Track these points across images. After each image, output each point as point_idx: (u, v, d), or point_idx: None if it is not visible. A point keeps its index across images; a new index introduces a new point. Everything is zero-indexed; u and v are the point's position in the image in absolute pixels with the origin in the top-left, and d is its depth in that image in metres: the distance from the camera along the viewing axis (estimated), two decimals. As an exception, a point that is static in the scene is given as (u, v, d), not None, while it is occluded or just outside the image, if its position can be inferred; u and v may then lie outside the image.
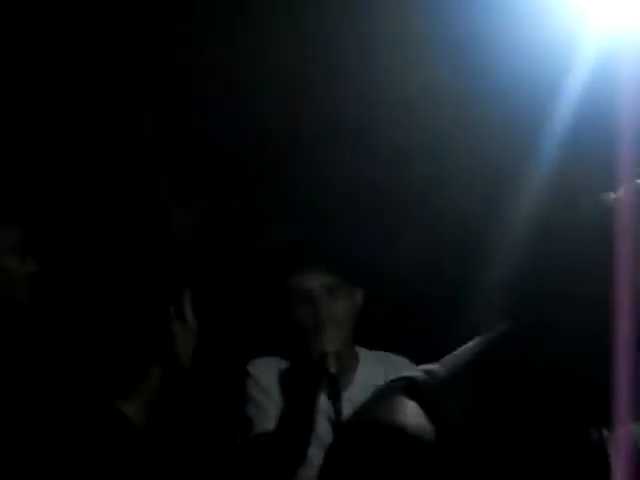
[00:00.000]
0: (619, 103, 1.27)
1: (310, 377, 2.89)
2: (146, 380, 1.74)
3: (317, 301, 2.92)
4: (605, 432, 1.29)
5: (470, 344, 1.31)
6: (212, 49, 3.25)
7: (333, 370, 2.85)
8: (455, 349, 1.35)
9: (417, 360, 3.09)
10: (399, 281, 3.46)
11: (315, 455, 2.92)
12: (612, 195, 1.19)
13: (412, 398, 1.23)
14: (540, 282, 1.20)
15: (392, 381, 1.30)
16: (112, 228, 1.85)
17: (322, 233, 3.28)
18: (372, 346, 3.15)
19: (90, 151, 3.31)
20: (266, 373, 3.02)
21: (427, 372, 1.27)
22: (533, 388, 1.23)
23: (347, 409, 2.88)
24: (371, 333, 3.15)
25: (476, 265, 2.74)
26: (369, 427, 1.22)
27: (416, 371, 1.28)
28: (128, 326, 1.72)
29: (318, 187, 3.52)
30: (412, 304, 3.49)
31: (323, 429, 2.92)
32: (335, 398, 2.88)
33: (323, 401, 2.93)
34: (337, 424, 2.88)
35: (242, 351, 3.20)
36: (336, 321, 2.92)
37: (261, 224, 3.67)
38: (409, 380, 1.27)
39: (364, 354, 3.11)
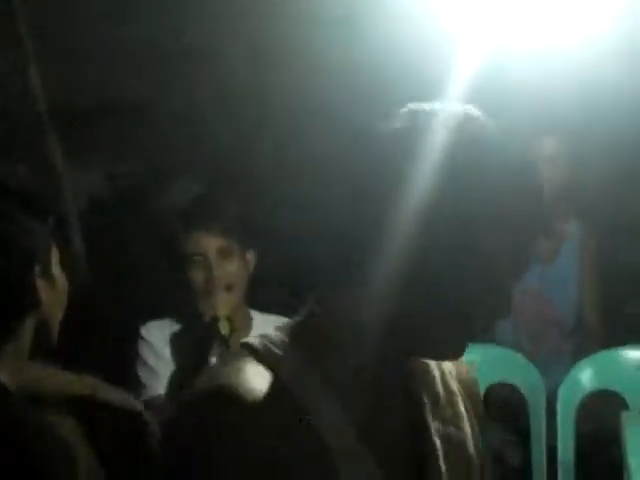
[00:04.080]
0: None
1: (201, 340, 2.86)
2: (13, 341, 1.68)
3: (210, 264, 2.89)
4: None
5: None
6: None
7: (224, 333, 2.83)
8: None
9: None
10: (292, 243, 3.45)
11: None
12: None
13: (253, 361, 1.29)
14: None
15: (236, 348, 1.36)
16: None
17: (216, 194, 3.24)
18: (265, 309, 3.12)
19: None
20: (159, 336, 2.99)
21: (264, 337, 1.33)
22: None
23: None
24: (264, 295, 3.12)
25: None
26: (213, 391, 1.24)
27: (253, 338, 1.33)
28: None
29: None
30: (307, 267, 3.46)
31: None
32: (227, 361, 2.85)
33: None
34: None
35: (135, 313, 3.17)
36: (229, 284, 2.90)
37: (158, 183, 3.62)
38: (248, 345, 1.32)
39: (258, 317, 3.09)
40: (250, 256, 3.00)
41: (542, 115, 3.30)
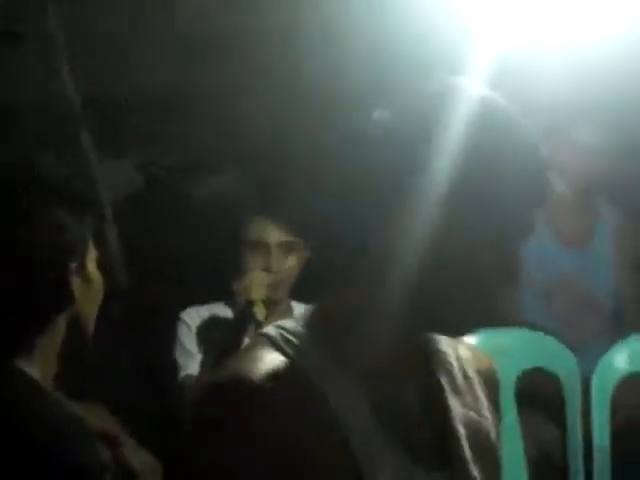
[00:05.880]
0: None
1: (235, 323, 2.88)
2: (45, 337, 1.69)
3: (271, 255, 2.90)
4: None
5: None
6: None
7: (260, 318, 2.84)
8: None
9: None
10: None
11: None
12: None
13: (270, 349, 1.31)
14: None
15: (252, 338, 1.41)
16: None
17: (284, 186, 3.23)
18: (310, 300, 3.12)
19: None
20: (197, 318, 3.02)
21: (280, 327, 1.34)
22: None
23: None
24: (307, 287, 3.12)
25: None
26: (227, 381, 1.28)
27: (269, 327, 1.36)
28: (21, 283, 1.67)
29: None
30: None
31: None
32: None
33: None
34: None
35: (176, 298, 3.19)
36: (284, 279, 2.92)
37: (198, 175, 3.63)
38: (264, 335, 1.34)
39: (299, 309, 3.09)
40: (308, 248, 3.01)
41: (577, 102, 3.28)
